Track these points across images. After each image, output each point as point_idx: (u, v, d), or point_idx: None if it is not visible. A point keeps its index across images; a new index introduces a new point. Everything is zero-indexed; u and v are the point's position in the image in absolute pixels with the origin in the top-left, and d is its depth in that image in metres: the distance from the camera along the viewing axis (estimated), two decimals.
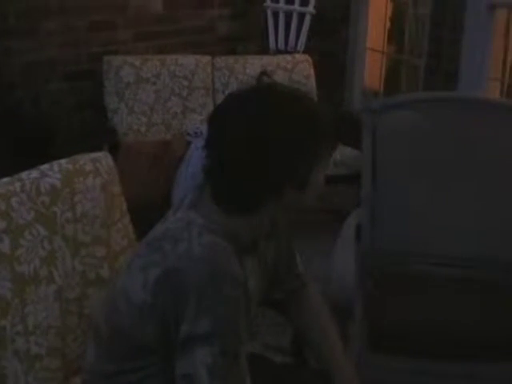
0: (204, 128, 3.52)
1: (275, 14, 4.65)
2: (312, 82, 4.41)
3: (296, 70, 4.38)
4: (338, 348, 1.75)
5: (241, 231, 1.47)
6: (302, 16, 4.58)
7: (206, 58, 4.27)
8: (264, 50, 4.68)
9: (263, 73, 1.54)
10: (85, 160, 1.90)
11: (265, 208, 1.47)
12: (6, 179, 1.75)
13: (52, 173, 1.81)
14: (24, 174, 1.78)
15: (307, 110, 1.46)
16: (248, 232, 1.50)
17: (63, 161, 1.86)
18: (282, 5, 4.63)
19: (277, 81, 1.52)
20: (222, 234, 1.42)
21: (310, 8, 4.54)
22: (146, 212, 2.27)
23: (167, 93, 4.11)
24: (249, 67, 4.29)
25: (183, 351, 1.34)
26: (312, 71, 4.42)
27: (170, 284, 1.36)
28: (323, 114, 1.49)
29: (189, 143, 3.48)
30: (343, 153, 4.01)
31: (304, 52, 4.54)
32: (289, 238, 1.74)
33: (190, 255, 1.36)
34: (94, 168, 1.90)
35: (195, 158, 2.87)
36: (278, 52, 4.61)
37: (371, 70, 4.79)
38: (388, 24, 4.77)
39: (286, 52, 4.57)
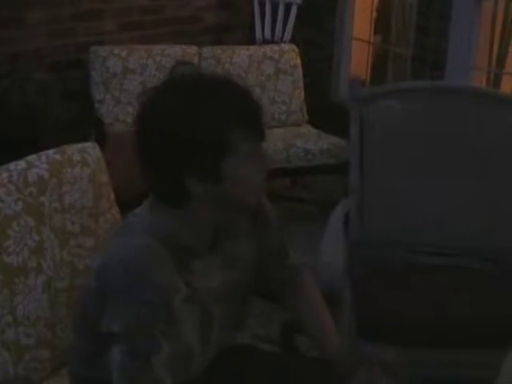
0: None
1: (262, 4, 4.64)
2: (299, 72, 4.42)
3: (283, 59, 4.38)
4: (332, 336, 1.74)
5: (181, 231, 1.44)
6: (288, 6, 4.58)
7: (193, 49, 4.26)
8: (251, 40, 4.68)
9: (179, 62, 1.49)
10: (72, 150, 1.89)
11: (190, 202, 1.41)
12: None
13: (40, 163, 1.80)
14: (11, 165, 1.76)
15: (212, 96, 1.39)
16: (191, 232, 1.45)
17: (51, 151, 1.85)
18: None
19: (199, 69, 1.47)
20: (164, 234, 1.41)
21: None
22: (134, 202, 2.27)
23: (154, 83, 4.09)
24: (236, 57, 4.29)
25: (107, 344, 1.37)
26: (299, 61, 4.42)
27: (101, 277, 1.40)
28: (237, 102, 1.40)
29: None
30: (330, 142, 4.03)
31: (290, 42, 4.55)
32: (279, 231, 1.72)
33: (119, 254, 1.39)
34: (82, 158, 1.89)
35: None
36: (265, 42, 4.61)
37: (358, 59, 4.79)
38: (374, 14, 4.77)
39: (273, 42, 4.57)
